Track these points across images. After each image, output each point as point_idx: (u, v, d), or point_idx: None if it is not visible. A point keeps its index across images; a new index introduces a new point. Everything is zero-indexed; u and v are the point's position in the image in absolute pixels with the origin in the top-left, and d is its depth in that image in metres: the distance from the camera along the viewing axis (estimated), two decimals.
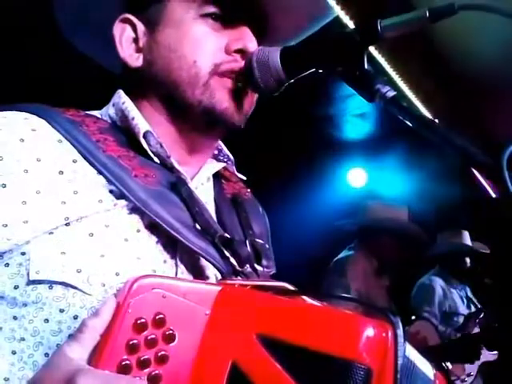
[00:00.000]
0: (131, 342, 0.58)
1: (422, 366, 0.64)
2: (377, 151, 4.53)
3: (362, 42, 0.73)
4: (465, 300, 3.81)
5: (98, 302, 0.66)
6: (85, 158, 0.74)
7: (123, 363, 0.57)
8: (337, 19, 2.86)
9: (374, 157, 4.67)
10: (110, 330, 0.59)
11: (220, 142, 0.94)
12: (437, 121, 0.68)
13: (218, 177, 0.94)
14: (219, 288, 0.64)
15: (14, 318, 0.67)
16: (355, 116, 4.27)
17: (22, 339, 0.66)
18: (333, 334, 0.55)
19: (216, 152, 0.94)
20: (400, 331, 0.54)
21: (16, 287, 0.67)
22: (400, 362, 0.53)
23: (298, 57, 0.79)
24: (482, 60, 3.42)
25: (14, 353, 0.66)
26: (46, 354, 0.65)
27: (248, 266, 0.75)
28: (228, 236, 0.77)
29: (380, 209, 2.94)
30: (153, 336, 0.59)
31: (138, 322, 0.58)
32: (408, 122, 0.67)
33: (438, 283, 3.71)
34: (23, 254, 0.67)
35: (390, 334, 0.54)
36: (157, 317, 0.59)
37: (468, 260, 3.80)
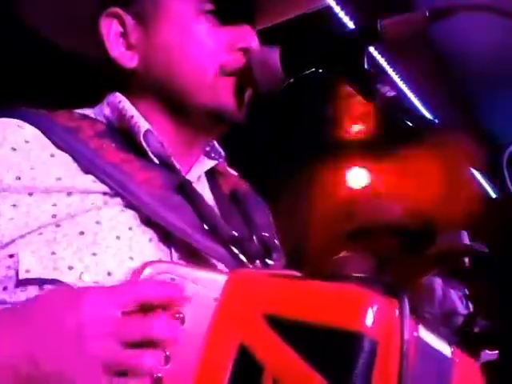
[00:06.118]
0: None
1: (436, 345, 0.64)
2: (377, 151, 4.52)
3: (362, 42, 0.73)
4: (464, 300, 3.80)
5: None
6: (85, 167, 0.73)
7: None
8: (337, 19, 2.87)
9: (374, 157, 4.66)
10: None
11: None
12: (437, 121, 0.68)
13: (211, 173, 0.92)
14: (228, 275, 0.65)
15: None
16: (355, 116, 4.27)
17: None
18: (338, 308, 0.56)
19: (208, 149, 0.91)
20: (406, 306, 0.55)
21: (5, 289, 0.66)
22: (407, 337, 0.53)
23: (298, 56, 0.79)
24: (482, 60, 3.42)
25: None
26: None
27: (258, 261, 0.75)
28: (236, 234, 0.76)
29: (374, 207, 2.95)
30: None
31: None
32: (408, 122, 0.67)
33: (438, 283, 3.70)
34: (11, 256, 0.66)
35: (396, 308, 0.55)
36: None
37: (467, 260, 3.79)
